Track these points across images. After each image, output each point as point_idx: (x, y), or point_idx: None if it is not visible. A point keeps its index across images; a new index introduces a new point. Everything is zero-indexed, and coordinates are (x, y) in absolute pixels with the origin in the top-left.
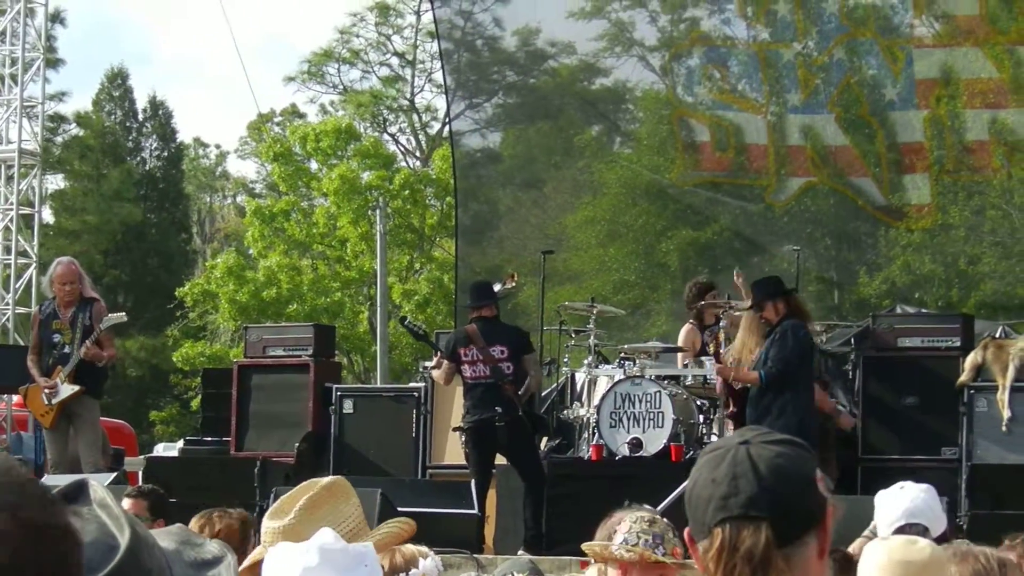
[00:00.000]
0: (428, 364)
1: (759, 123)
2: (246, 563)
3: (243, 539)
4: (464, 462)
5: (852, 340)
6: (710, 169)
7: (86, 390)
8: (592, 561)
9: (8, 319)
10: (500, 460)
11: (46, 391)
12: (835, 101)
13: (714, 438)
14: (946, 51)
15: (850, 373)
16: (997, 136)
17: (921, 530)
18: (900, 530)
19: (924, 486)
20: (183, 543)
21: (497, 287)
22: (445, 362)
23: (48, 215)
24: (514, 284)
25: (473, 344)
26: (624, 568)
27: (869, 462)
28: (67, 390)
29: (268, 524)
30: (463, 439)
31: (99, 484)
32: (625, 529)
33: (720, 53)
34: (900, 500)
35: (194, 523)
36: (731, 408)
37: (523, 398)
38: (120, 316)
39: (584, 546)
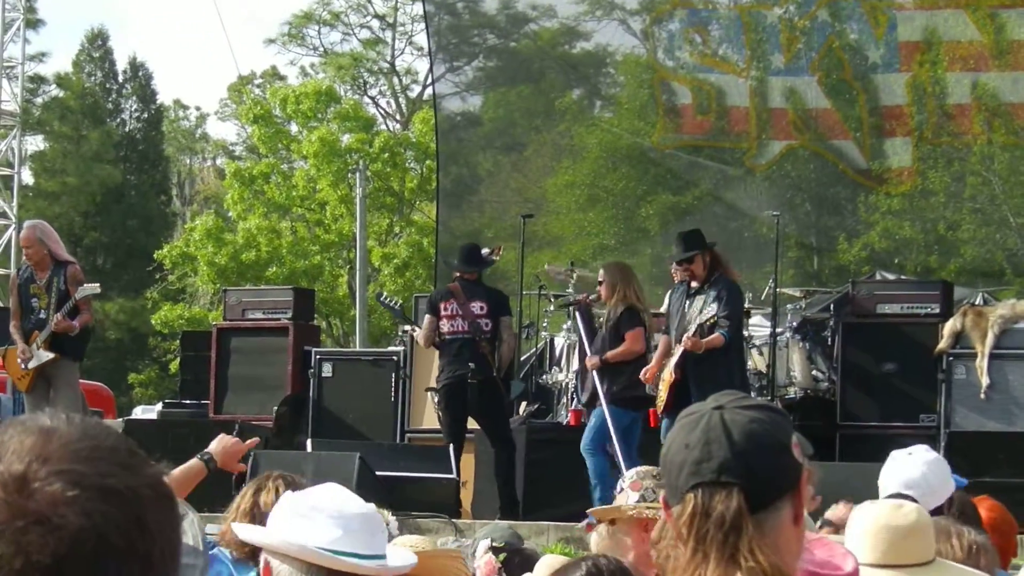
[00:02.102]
0: (407, 328)
1: (741, 85)
2: None
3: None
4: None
5: (831, 306)
6: (691, 132)
7: (60, 356)
8: (596, 522)
9: None
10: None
11: (21, 358)
12: (817, 64)
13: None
14: (928, 14)
15: (829, 339)
16: (979, 100)
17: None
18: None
19: (933, 457)
20: None
21: (485, 251)
22: (427, 316)
23: (28, 176)
24: (498, 257)
25: (454, 299)
26: (644, 525)
27: (848, 429)
28: (42, 356)
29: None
30: (436, 400)
31: None
32: (637, 487)
33: (701, 16)
34: (902, 467)
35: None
36: (676, 376)
37: (501, 362)
38: (94, 287)
39: (595, 510)
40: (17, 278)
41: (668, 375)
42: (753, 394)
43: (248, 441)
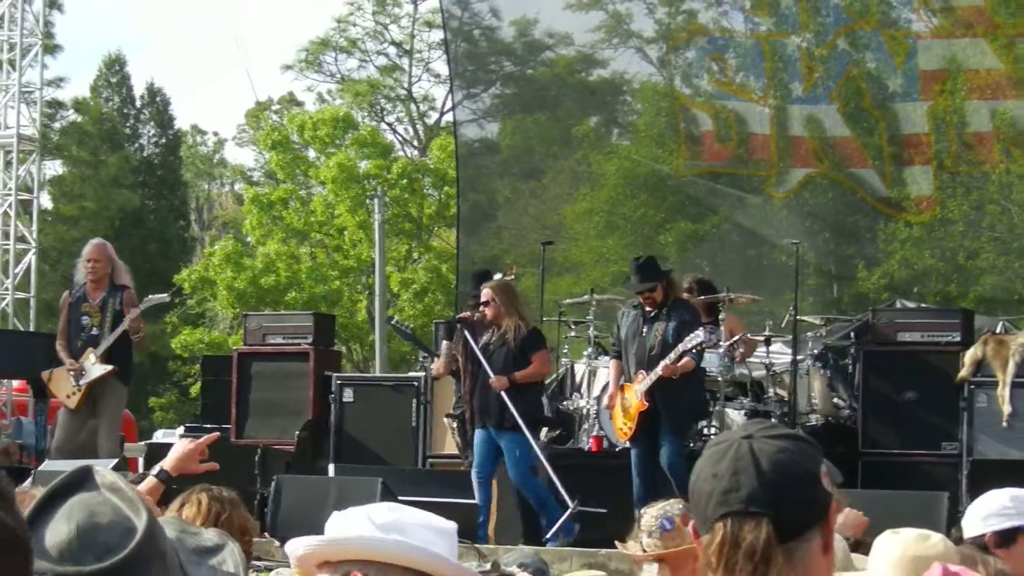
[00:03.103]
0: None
1: (761, 113)
2: None
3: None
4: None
5: (852, 334)
6: (711, 159)
7: (118, 371)
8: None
9: (7, 304)
10: None
11: (73, 373)
12: (837, 92)
13: (714, 431)
14: (947, 43)
15: (850, 368)
16: (998, 129)
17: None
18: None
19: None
20: (182, 532)
21: (497, 276)
22: (444, 344)
23: (46, 201)
24: (513, 276)
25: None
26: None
27: (869, 456)
28: (98, 370)
29: None
30: (454, 425)
31: (107, 469)
32: (646, 525)
33: (719, 44)
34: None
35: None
36: (648, 406)
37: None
38: (162, 296)
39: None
40: (69, 297)
41: (638, 403)
42: (774, 421)
43: (205, 438)
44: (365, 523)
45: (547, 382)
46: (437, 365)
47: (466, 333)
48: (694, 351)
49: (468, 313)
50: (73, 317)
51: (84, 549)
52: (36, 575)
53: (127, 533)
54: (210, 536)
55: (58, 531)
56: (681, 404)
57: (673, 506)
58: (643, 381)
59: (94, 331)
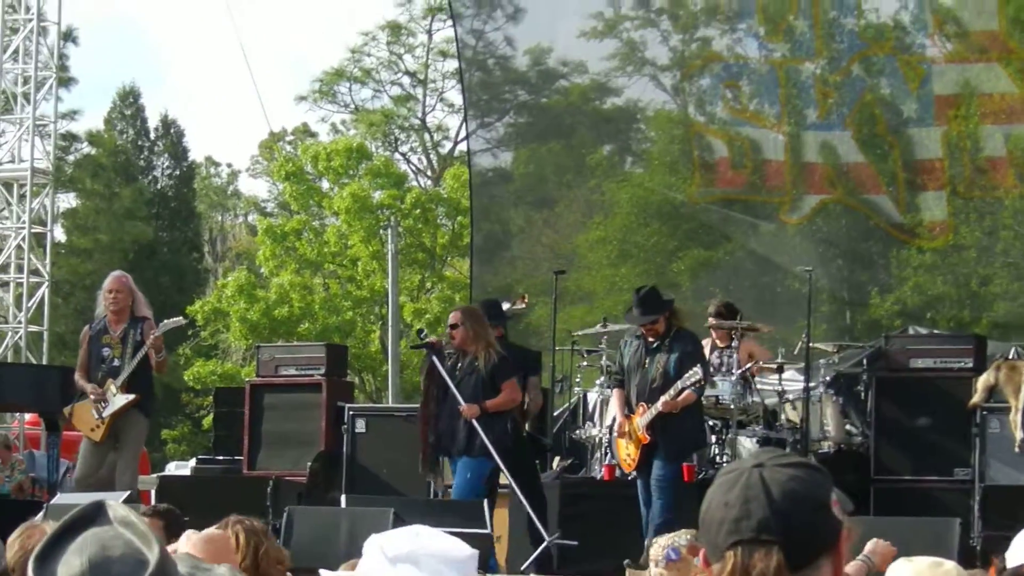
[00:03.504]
0: None
1: (776, 139)
2: None
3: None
4: None
5: (864, 361)
6: (726, 186)
7: (140, 399)
8: None
9: (20, 337)
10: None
11: (96, 406)
12: (852, 118)
13: (727, 459)
14: (961, 67)
15: (862, 394)
16: (1012, 154)
17: None
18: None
19: None
20: (193, 568)
21: (506, 305)
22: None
23: (60, 234)
24: (524, 305)
25: None
26: None
27: (882, 483)
28: (120, 400)
29: None
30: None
31: (119, 503)
32: (654, 555)
33: (733, 71)
34: None
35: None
36: (649, 440)
37: (527, 419)
38: (177, 320)
39: None
40: (89, 330)
41: (640, 435)
42: (787, 448)
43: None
44: (377, 553)
45: (558, 411)
46: None
47: (433, 358)
48: (694, 386)
49: (436, 339)
50: (94, 350)
51: None
52: None
53: (139, 566)
54: (220, 572)
55: (71, 565)
56: (679, 435)
57: (681, 537)
58: (644, 415)
59: (115, 363)
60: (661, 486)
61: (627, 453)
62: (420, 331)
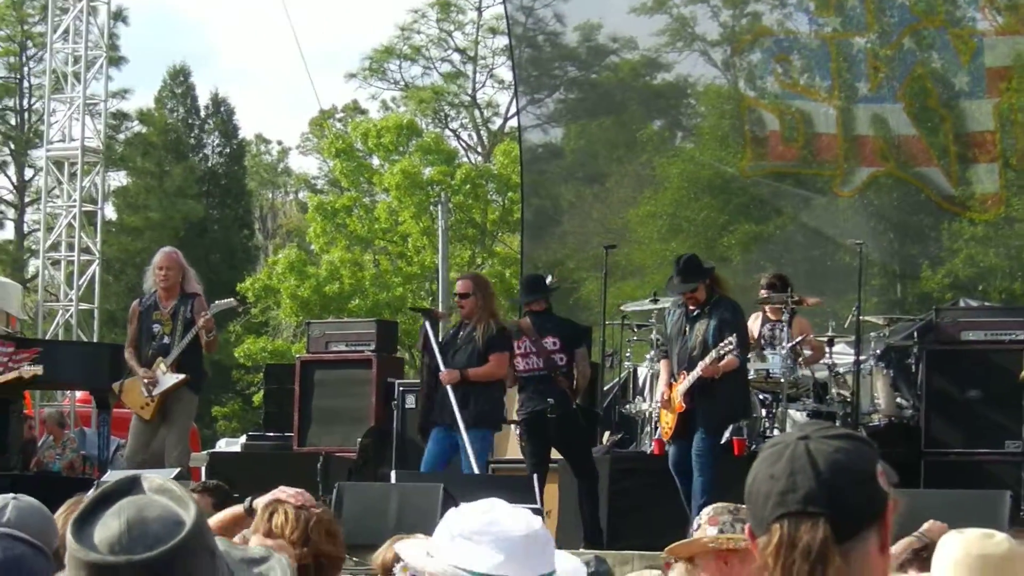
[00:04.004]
0: None
1: (828, 112)
2: None
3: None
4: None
5: (915, 334)
6: (778, 159)
7: (190, 380)
8: (673, 561)
9: (71, 315)
10: (556, 455)
11: (146, 382)
12: (903, 91)
13: (776, 432)
14: (1012, 39)
15: (913, 367)
16: None
17: None
18: None
19: None
20: (228, 546)
21: (549, 279)
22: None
23: (111, 212)
24: (557, 282)
25: (525, 336)
26: (724, 558)
27: (932, 456)
28: (170, 379)
29: None
30: (518, 432)
31: (155, 475)
32: (715, 522)
33: (783, 45)
34: None
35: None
36: (686, 407)
37: (577, 392)
38: (229, 301)
39: (672, 548)
40: (139, 306)
41: (677, 404)
42: (838, 422)
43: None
44: (443, 528)
45: (608, 386)
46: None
47: (427, 325)
48: (735, 352)
49: (434, 308)
50: (143, 326)
51: (134, 541)
52: (87, 565)
53: (176, 525)
54: (257, 550)
55: (108, 526)
56: (717, 403)
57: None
58: (683, 382)
59: (165, 339)
60: (701, 463)
61: (666, 422)
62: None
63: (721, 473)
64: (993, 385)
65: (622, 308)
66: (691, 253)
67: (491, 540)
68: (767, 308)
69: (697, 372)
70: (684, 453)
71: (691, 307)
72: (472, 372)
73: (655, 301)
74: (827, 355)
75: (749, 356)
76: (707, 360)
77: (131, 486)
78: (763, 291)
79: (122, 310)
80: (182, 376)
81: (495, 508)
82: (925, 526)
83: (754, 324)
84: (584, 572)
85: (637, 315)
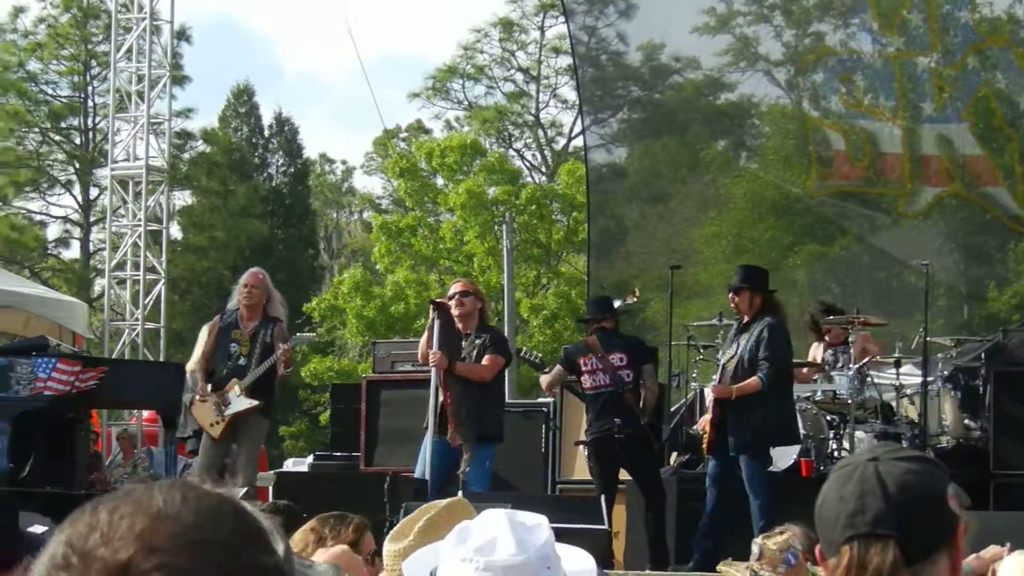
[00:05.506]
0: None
1: (893, 132)
2: None
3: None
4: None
5: (982, 355)
6: (844, 178)
7: (262, 407)
8: None
9: (137, 335)
10: (625, 475)
11: (215, 404)
12: (968, 111)
13: (844, 453)
14: None
15: (980, 388)
16: None
17: None
18: None
19: None
20: (298, 566)
21: (618, 303)
22: (558, 367)
23: (176, 231)
24: (635, 299)
25: (592, 353)
26: None
27: (1001, 478)
28: (243, 403)
29: (389, 547)
30: (586, 452)
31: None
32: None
33: (847, 65)
34: None
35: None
36: (716, 414)
37: (645, 410)
38: (311, 336)
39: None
40: (219, 322)
41: (709, 413)
42: (905, 444)
43: None
44: (452, 536)
45: (675, 407)
46: (545, 379)
47: (434, 318)
48: (763, 372)
49: (445, 301)
50: (221, 342)
51: None
52: None
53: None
54: (323, 568)
55: None
56: (748, 424)
57: (795, 540)
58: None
59: (241, 360)
60: (753, 488)
61: (707, 435)
62: (519, 350)
63: (787, 495)
64: None
65: (688, 327)
66: (758, 266)
67: (481, 568)
68: (827, 335)
69: (710, 392)
70: (718, 469)
71: (737, 316)
72: (460, 366)
73: (720, 320)
74: (875, 356)
75: (816, 378)
76: (727, 376)
77: None
78: (822, 321)
79: (188, 329)
80: (255, 403)
81: (494, 531)
82: (987, 553)
83: (816, 351)
84: (595, 572)
85: (703, 335)
